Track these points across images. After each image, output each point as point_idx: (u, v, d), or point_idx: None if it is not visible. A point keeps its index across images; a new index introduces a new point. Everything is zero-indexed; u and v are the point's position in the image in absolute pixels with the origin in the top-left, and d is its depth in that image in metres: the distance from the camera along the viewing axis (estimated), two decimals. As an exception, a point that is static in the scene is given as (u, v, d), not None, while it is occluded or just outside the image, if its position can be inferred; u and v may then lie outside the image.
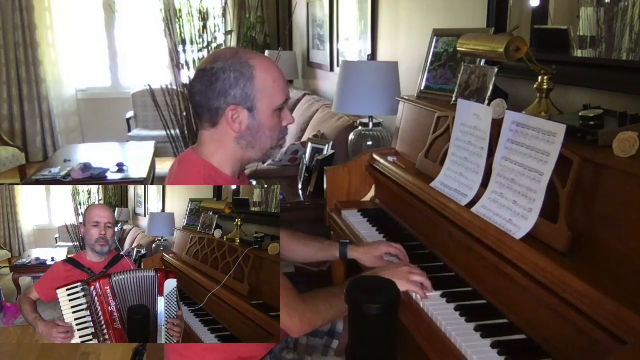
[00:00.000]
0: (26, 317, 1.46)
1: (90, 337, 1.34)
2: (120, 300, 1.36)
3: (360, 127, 2.78)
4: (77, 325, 1.35)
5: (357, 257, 1.65)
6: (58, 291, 1.36)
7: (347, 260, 1.69)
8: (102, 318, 1.34)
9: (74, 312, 1.35)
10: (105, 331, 1.34)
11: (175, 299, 1.39)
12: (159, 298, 1.37)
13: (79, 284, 1.36)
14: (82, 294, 1.35)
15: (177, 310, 1.39)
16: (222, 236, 1.84)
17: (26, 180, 4.14)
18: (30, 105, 6.07)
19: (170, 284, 1.39)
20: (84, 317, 1.35)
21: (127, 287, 1.38)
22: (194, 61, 4.41)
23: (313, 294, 1.37)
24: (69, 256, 1.63)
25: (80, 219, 3.23)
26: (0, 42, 5.86)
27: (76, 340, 1.36)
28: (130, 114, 6.15)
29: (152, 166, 4.62)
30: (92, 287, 1.34)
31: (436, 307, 1.33)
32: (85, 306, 1.35)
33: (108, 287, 1.35)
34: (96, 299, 1.34)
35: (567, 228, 1.16)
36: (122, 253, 1.62)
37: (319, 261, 1.74)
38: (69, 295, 1.36)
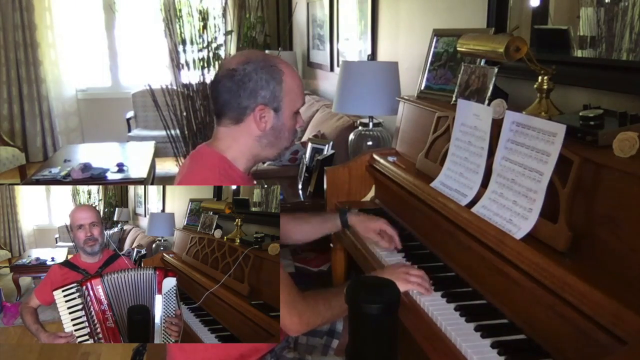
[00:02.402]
0: (28, 328, 1.46)
1: (87, 336, 1.35)
2: (113, 299, 1.36)
3: (360, 127, 2.78)
4: (73, 325, 1.35)
5: (353, 223, 1.74)
6: (54, 293, 1.37)
7: (347, 227, 1.76)
8: (94, 317, 1.34)
9: (70, 313, 1.36)
10: (99, 330, 1.34)
11: (175, 298, 1.39)
12: (156, 296, 1.37)
13: (74, 284, 1.36)
14: (77, 294, 1.36)
15: (176, 309, 1.38)
16: (222, 236, 1.84)
17: (26, 180, 4.14)
18: (30, 105, 6.07)
19: (169, 282, 1.38)
20: (80, 317, 1.36)
21: (120, 286, 1.38)
22: (194, 61, 4.40)
23: (313, 294, 1.37)
24: (66, 258, 1.63)
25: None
26: (0, 42, 5.86)
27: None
28: (130, 114, 6.15)
29: (152, 166, 4.62)
30: (84, 287, 1.35)
31: (436, 307, 1.33)
32: (80, 306, 1.35)
33: (99, 286, 1.35)
34: (88, 298, 1.34)
35: (567, 228, 1.16)
36: (120, 253, 1.61)
37: (323, 235, 1.79)
38: (64, 296, 1.36)
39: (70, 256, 1.91)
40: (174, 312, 1.38)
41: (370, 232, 1.71)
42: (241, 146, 1.37)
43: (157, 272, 1.39)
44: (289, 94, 1.35)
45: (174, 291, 1.39)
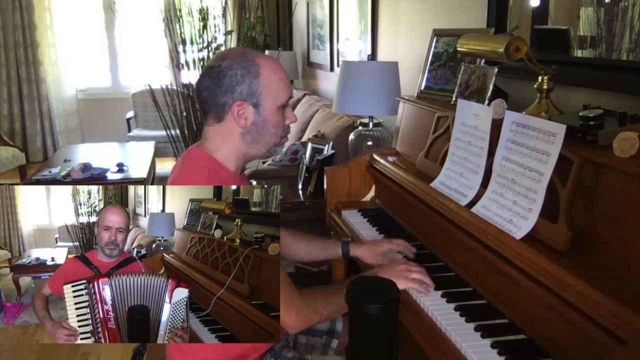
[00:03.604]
0: (36, 313, 1.47)
1: (88, 334, 1.35)
2: (118, 301, 1.36)
3: (360, 127, 2.78)
4: (78, 321, 1.36)
5: (360, 254, 1.66)
6: (64, 287, 1.37)
7: (349, 259, 1.70)
8: (97, 316, 1.34)
9: (76, 309, 1.36)
10: (100, 330, 1.34)
11: (184, 309, 1.37)
12: (165, 305, 1.36)
13: (84, 281, 1.36)
14: (84, 291, 1.36)
15: (183, 321, 1.37)
16: (222, 236, 1.83)
17: (26, 180, 4.14)
18: (30, 105, 6.07)
19: (180, 293, 1.37)
20: (85, 314, 1.36)
21: (127, 289, 1.38)
22: (194, 61, 4.41)
23: (311, 291, 1.37)
24: (82, 254, 1.63)
25: (80, 219, 3.23)
26: (0, 42, 5.86)
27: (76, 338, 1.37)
28: (130, 114, 6.15)
29: (152, 166, 4.62)
30: (92, 285, 1.35)
31: (436, 307, 1.33)
32: (86, 304, 1.35)
33: (106, 286, 1.35)
34: (93, 296, 1.34)
35: (567, 228, 1.16)
36: (136, 257, 1.60)
37: (320, 260, 1.74)
38: (73, 291, 1.37)
39: (72, 255, 1.91)
40: (180, 323, 1.36)
41: (380, 258, 1.63)
42: (229, 146, 1.34)
43: (170, 281, 1.38)
44: (269, 88, 1.31)
45: (184, 302, 1.37)
